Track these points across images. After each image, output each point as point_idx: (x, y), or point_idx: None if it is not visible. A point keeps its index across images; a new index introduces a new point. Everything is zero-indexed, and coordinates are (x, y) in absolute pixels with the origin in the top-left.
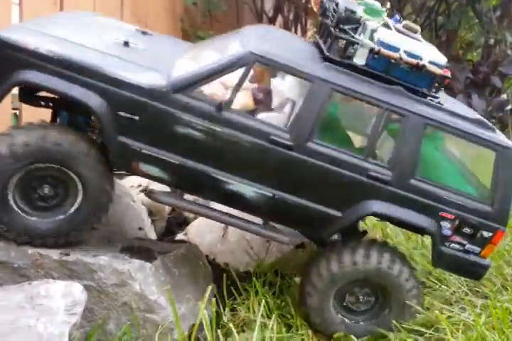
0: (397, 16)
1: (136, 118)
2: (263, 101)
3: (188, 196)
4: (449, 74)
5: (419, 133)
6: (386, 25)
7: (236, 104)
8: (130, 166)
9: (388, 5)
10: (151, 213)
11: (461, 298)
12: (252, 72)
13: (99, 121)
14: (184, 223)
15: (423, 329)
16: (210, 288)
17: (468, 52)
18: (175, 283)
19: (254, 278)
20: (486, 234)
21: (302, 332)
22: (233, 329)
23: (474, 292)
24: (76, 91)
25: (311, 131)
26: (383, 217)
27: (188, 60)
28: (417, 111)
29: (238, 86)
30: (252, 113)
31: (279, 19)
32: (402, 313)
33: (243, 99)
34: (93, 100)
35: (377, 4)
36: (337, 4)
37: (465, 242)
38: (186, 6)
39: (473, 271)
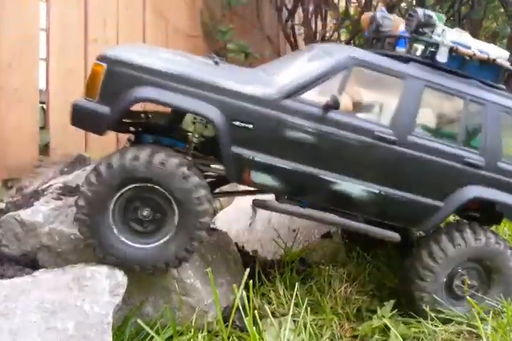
0: (383, 9)
1: (250, 126)
2: (359, 103)
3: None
4: None
5: (498, 119)
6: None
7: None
8: (241, 177)
9: None
10: None
11: None
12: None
13: (217, 132)
14: None
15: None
16: (247, 271)
17: (493, 43)
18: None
19: (282, 265)
20: None
21: (330, 317)
22: (268, 311)
23: None
24: (193, 104)
25: (411, 124)
26: (484, 201)
27: (285, 73)
28: (495, 100)
29: (341, 88)
30: (355, 114)
31: (299, 12)
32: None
33: (345, 102)
34: (210, 111)
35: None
36: (415, 11)
37: None
38: None
39: None
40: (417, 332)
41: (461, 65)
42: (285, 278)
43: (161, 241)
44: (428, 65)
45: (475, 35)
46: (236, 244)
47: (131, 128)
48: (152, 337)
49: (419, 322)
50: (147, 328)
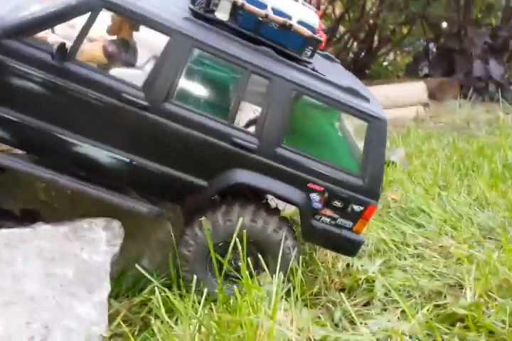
0: None
1: None
2: (117, 54)
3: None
4: (322, 37)
5: (287, 98)
6: None
7: (83, 56)
8: None
9: None
10: None
11: (474, 242)
12: (110, 22)
13: None
14: None
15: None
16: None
17: (488, 16)
18: None
19: None
20: (357, 208)
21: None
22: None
23: (487, 239)
24: None
25: (169, 90)
26: (249, 188)
27: (33, 4)
28: (284, 74)
29: (82, 34)
30: (104, 67)
31: None
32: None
33: (92, 51)
34: None
35: None
36: None
37: (336, 216)
38: None
39: (347, 247)
40: (403, 285)
41: (255, 26)
42: None
43: None
44: (216, 23)
45: (470, 7)
46: None
47: None
48: (149, 284)
49: (406, 275)
50: (146, 274)
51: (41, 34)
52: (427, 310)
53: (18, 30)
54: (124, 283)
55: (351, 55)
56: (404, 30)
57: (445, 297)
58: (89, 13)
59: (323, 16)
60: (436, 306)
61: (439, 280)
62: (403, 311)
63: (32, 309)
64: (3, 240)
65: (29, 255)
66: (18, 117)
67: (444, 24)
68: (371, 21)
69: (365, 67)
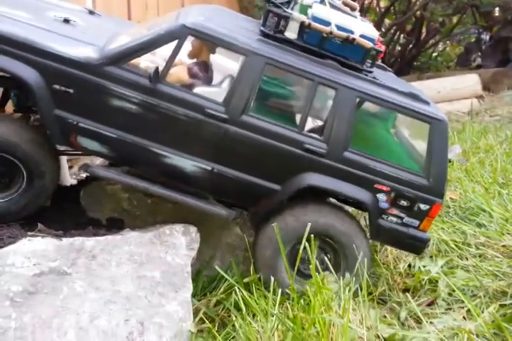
0: None
1: (71, 91)
2: (199, 75)
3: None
4: (382, 48)
5: (352, 106)
6: (322, 2)
7: (171, 78)
8: (68, 140)
9: None
10: None
11: None
12: (190, 47)
13: (34, 95)
14: None
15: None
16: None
17: None
18: None
19: None
20: (423, 206)
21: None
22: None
23: None
24: (9, 64)
25: (246, 104)
26: (319, 190)
27: (126, 36)
28: (349, 84)
29: (171, 59)
30: (188, 87)
31: None
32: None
33: (178, 73)
34: (27, 73)
35: None
36: None
37: (403, 215)
38: None
39: (413, 245)
40: (466, 284)
41: (320, 42)
42: None
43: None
44: (283, 42)
45: None
46: None
47: None
48: (222, 284)
49: (469, 275)
50: (221, 272)
51: (134, 60)
52: (493, 310)
53: (117, 57)
54: (200, 282)
55: (398, 47)
56: (454, 20)
57: (510, 297)
58: (177, 40)
59: (368, 10)
60: (502, 306)
61: (504, 280)
62: (468, 310)
63: (128, 307)
64: (100, 246)
65: (121, 259)
66: (116, 134)
67: (497, 11)
68: (418, 13)
69: (413, 59)
